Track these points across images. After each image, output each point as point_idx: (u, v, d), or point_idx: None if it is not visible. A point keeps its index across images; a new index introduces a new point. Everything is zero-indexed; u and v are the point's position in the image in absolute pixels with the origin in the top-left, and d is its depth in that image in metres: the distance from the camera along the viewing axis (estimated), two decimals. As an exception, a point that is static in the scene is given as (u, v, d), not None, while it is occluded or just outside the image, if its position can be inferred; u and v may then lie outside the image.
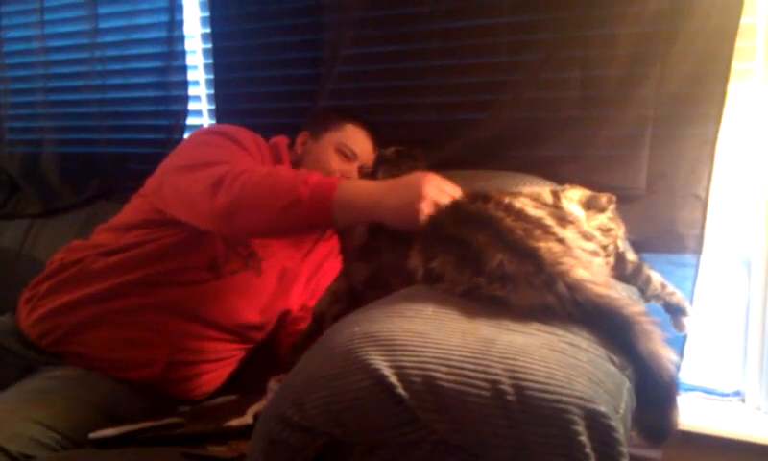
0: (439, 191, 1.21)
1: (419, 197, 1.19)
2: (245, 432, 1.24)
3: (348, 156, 1.69)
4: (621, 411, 0.85)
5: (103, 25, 2.37)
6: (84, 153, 2.45)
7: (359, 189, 1.29)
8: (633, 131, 1.63)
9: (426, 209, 1.18)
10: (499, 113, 1.79)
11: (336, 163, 1.68)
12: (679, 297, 1.33)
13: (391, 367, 0.84)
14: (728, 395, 1.78)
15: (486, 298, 1.02)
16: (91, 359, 1.49)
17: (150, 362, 1.51)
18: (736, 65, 1.52)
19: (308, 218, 1.28)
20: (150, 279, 1.52)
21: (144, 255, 1.54)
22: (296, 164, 1.71)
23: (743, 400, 1.76)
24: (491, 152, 1.78)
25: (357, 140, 1.71)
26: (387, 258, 1.29)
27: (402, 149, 1.59)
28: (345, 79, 1.98)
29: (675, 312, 1.33)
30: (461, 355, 0.85)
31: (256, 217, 1.31)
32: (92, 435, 1.27)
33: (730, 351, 1.77)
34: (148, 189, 1.64)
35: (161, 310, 1.52)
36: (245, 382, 1.64)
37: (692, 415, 1.70)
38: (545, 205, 1.21)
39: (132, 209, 1.66)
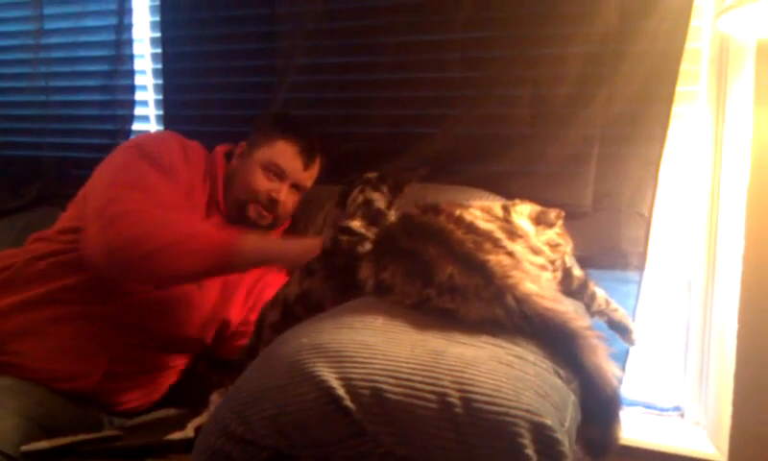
0: None
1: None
2: (186, 446, 1.21)
3: (276, 173, 1.64)
4: (567, 424, 0.85)
5: (48, 26, 2.31)
6: (25, 156, 2.37)
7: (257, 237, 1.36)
8: (580, 149, 1.66)
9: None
10: (451, 128, 1.80)
11: (263, 183, 1.62)
12: (622, 314, 1.35)
13: (338, 379, 0.83)
14: (667, 410, 1.82)
15: (436, 310, 1.02)
16: (25, 370, 1.42)
17: (86, 373, 1.46)
18: (681, 88, 1.57)
19: (209, 262, 1.36)
20: (84, 287, 1.47)
21: (77, 261, 1.47)
22: (230, 177, 1.67)
23: (682, 416, 1.80)
24: (442, 166, 1.78)
25: (286, 158, 1.65)
26: (314, 284, 1.29)
27: (382, 175, 1.52)
28: (297, 88, 1.96)
29: (618, 329, 1.35)
30: (409, 367, 0.84)
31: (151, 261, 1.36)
32: (24, 448, 1.21)
33: (669, 367, 1.81)
34: (80, 197, 1.59)
35: (97, 320, 1.48)
36: (186, 395, 1.60)
37: (632, 429, 1.73)
38: (496, 218, 1.22)
39: (66, 216, 1.61)
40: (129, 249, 1.33)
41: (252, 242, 1.38)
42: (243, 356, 1.45)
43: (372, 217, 1.37)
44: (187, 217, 1.45)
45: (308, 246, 1.37)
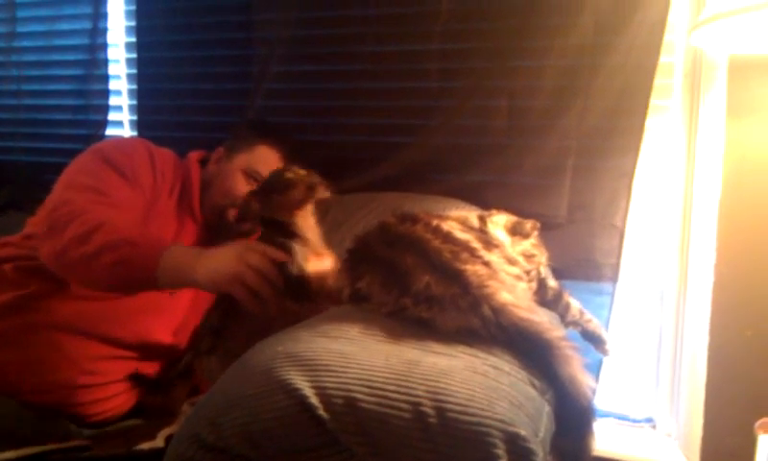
0: (259, 258, 1.22)
1: (234, 265, 1.21)
2: (156, 457, 1.18)
3: (257, 180, 1.61)
4: (541, 435, 0.85)
5: (21, 29, 2.29)
6: (-5, 160, 2.34)
7: (183, 252, 1.30)
8: (555, 160, 1.68)
9: (248, 277, 1.20)
10: (428, 138, 1.80)
11: (243, 188, 1.59)
12: (595, 324, 1.36)
13: (312, 387, 0.82)
14: (639, 421, 1.83)
15: (412, 319, 1.02)
16: None
17: (56, 386, 1.43)
18: (654, 101, 1.59)
19: (131, 276, 1.29)
20: (49, 294, 1.44)
21: (42, 267, 1.42)
22: (207, 183, 1.65)
23: (654, 427, 1.81)
24: (418, 175, 1.79)
25: (267, 163, 1.62)
26: None
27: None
28: (274, 95, 1.95)
29: (592, 340, 1.36)
30: (384, 377, 0.84)
31: (83, 270, 1.31)
32: (-11, 459, 1.19)
33: (641, 379, 1.82)
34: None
35: (65, 329, 1.44)
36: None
37: (605, 440, 1.74)
38: (472, 228, 1.22)
39: (33, 221, 1.57)
40: (69, 251, 1.30)
41: (175, 261, 1.29)
42: (174, 376, 1.44)
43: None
44: (128, 222, 1.39)
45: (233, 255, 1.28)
